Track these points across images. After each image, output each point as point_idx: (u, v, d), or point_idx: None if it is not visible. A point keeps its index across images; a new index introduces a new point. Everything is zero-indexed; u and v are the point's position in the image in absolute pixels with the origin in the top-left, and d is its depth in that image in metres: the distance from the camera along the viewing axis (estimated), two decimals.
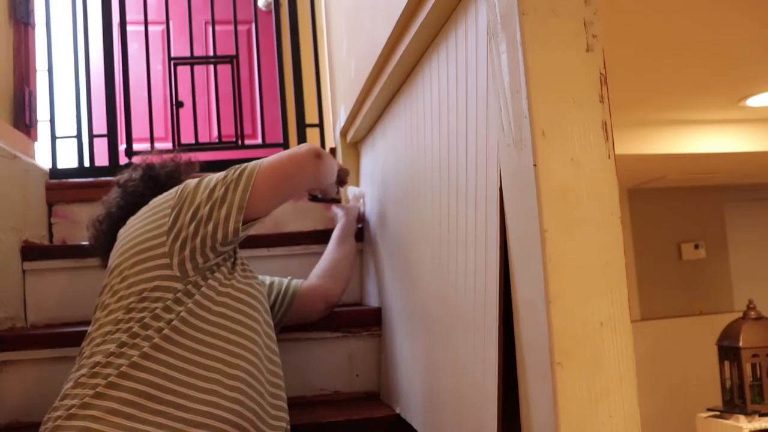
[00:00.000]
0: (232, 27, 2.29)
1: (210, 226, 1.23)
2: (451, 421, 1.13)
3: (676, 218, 4.59)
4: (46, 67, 2.16)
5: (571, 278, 0.79)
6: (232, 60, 2.29)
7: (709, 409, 3.31)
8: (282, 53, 2.29)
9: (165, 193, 1.31)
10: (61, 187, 2.02)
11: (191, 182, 1.29)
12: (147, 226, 1.26)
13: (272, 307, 1.51)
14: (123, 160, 2.13)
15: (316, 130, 2.30)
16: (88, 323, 1.27)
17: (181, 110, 2.23)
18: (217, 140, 2.29)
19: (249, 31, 3.36)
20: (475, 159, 1.01)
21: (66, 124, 2.28)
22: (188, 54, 2.29)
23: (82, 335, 1.24)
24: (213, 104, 2.61)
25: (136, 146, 2.16)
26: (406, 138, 1.42)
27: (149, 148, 2.08)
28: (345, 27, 1.95)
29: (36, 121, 2.12)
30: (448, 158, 1.14)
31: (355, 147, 2.09)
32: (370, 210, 1.80)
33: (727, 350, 3.24)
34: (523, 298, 0.85)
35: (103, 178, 2.02)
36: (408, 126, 1.40)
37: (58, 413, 1.10)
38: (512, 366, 0.89)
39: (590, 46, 0.83)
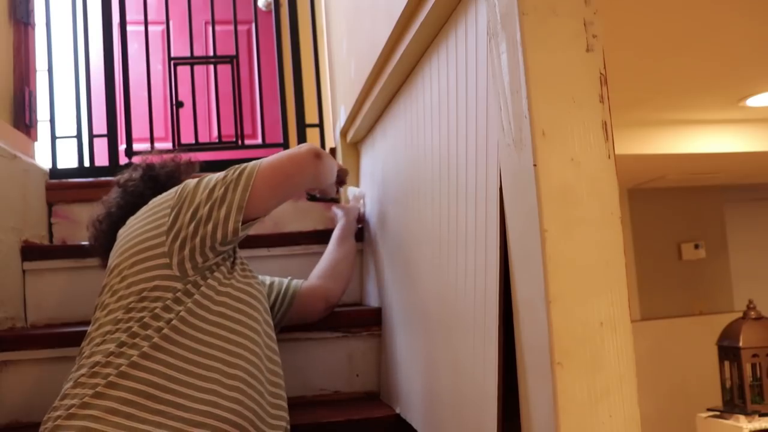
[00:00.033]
0: (232, 27, 2.29)
1: (209, 226, 1.23)
2: (451, 421, 1.13)
3: (676, 218, 4.59)
4: (46, 67, 2.16)
5: (571, 278, 0.79)
6: (232, 60, 2.29)
7: (709, 409, 3.32)
8: (282, 53, 2.29)
9: (165, 193, 1.31)
10: (61, 187, 2.02)
11: (191, 182, 1.29)
12: (146, 225, 1.26)
13: (272, 308, 1.51)
14: (123, 160, 2.13)
15: (316, 130, 2.30)
16: (88, 323, 1.27)
17: (181, 110, 2.23)
18: (217, 140, 2.29)
19: (249, 31, 3.36)
20: (475, 159, 1.01)
21: (66, 124, 2.28)
22: (188, 54, 2.29)
23: (82, 335, 1.24)
24: (213, 104, 2.61)
25: (136, 146, 2.16)
26: (406, 138, 1.42)
27: (149, 148, 2.08)
28: (345, 27, 1.95)
29: (36, 121, 2.12)
30: (448, 158, 1.14)
31: (355, 147, 2.09)
32: (370, 210, 1.80)
33: (727, 350, 3.24)
34: (523, 298, 0.85)
35: (103, 178, 2.02)
36: (408, 126, 1.40)
37: (58, 413, 1.10)
38: (512, 366, 0.89)
39: (590, 46, 0.83)
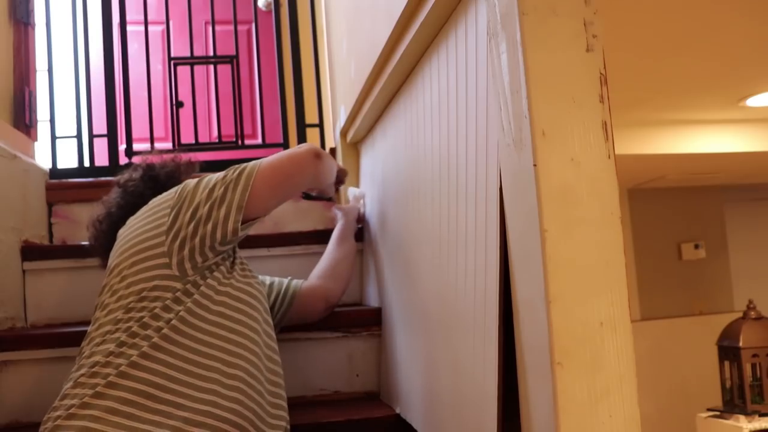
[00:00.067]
0: (232, 27, 2.29)
1: (209, 226, 1.23)
2: (451, 421, 1.13)
3: (676, 218, 4.59)
4: (46, 67, 2.16)
5: (571, 278, 0.79)
6: (232, 60, 2.29)
7: (709, 409, 3.32)
8: (282, 53, 2.29)
9: (164, 193, 1.31)
10: (61, 187, 2.02)
11: (191, 182, 1.29)
12: (146, 225, 1.26)
13: (272, 308, 1.51)
14: (123, 160, 2.13)
15: (316, 130, 2.30)
16: (88, 323, 1.27)
17: (181, 110, 2.23)
18: (217, 140, 2.29)
19: (249, 31, 3.36)
20: (475, 159, 1.01)
21: (66, 124, 2.28)
22: (188, 54, 2.29)
23: (82, 335, 1.24)
24: (213, 104, 2.61)
25: (136, 146, 2.16)
26: (406, 138, 1.42)
27: (149, 148, 2.08)
28: (345, 27, 1.95)
29: (36, 121, 2.12)
30: (448, 158, 1.14)
31: (355, 147, 2.09)
32: (370, 210, 1.80)
33: (727, 350, 3.25)
34: (523, 298, 0.85)
35: (103, 178, 2.02)
36: (408, 126, 1.40)
37: (58, 413, 1.10)
38: (512, 366, 0.89)
39: (590, 46, 0.83)
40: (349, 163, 2.07)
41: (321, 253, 1.70)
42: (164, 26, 2.39)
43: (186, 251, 1.21)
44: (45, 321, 1.78)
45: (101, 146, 2.16)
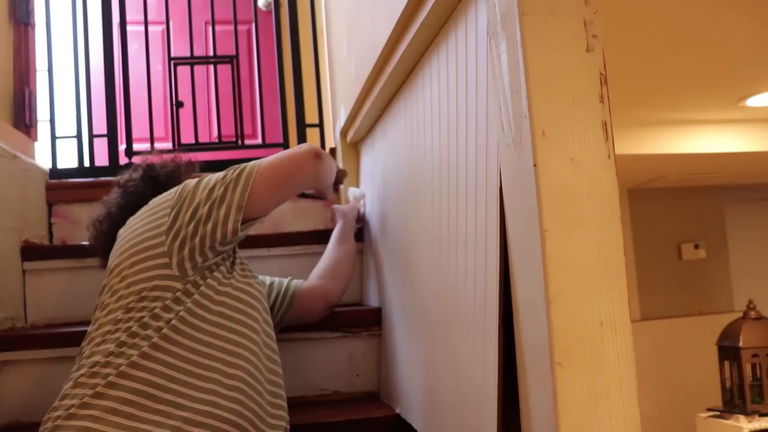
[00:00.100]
0: (232, 27, 2.29)
1: (209, 226, 1.23)
2: (451, 421, 1.13)
3: (676, 218, 4.59)
4: (46, 67, 2.16)
5: (571, 278, 0.79)
6: (232, 60, 2.29)
7: (709, 409, 3.32)
8: (282, 53, 2.29)
9: (165, 193, 1.31)
10: (61, 187, 2.02)
11: (191, 182, 1.29)
12: (146, 225, 1.26)
13: (272, 308, 1.51)
14: (123, 160, 2.13)
15: (316, 130, 2.30)
16: (88, 323, 1.27)
17: (181, 110, 2.23)
18: (217, 140, 2.29)
19: (249, 31, 3.36)
20: (475, 159, 1.01)
21: (66, 124, 2.28)
22: (188, 54, 2.29)
23: (82, 335, 1.24)
24: (213, 104, 2.61)
25: (136, 146, 2.16)
26: (406, 138, 1.42)
27: (149, 148, 2.08)
28: (345, 27, 1.95)
29: (36, 121, 2.12)
30: (448, 158, 1.14)
31: (355, 147, 2.09)
32: (370, 210, 1.80)
33: (727, 350, 3.25)
34: (523, 298, 0.85)
35: (103, 178, 2.02)
36: (408, 126, 1.40)
37: (58, 413, 1.10)
38: (512, 366, 0.89)
39: (590, 46, 0.83)
40: (349, 163, 2.07)
41: (321, 253, 1.70)
42: (164, 26, 2.39)
43: (186, 251, 1.21)
44: (45, 321, 1.78)
45: (101, 146, 2.16)
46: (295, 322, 1.58)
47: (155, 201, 1.31)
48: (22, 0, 2.09)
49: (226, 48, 2.41)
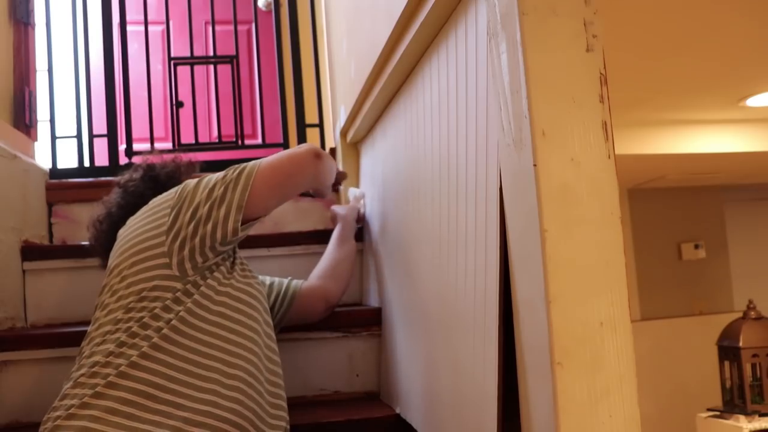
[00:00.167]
0: (232, 27, 2.29)
1: (209, 226, 1.23)
2: (451, 421, 1.13)
3: (676, 218, 4.59)
4: (46, 67, 2.16)
5: (571, 278, 0.79)
6: (232, 60, 2.29)
7: (709, 409, 3.32)
8: (282, 53, 2.29)
9: (165, 193, 1.31)
10: (61, 187, 2.02)
11: (191, 182, 1.29)
12: (146, 225, 1.26)
13: (272, 308, 1.51)
14: (123, 160, 2.13)
15: (316, 130, 2.29)
16: (88, 323, 1.27)
17: (181, 110, 2.23)
18: (217, 140, 2.29)
19: (249, 31, 3.36)
20: (475, 159, 1.01)
21: (66, 124, 2.28)
22: (188, 54, 2.29)
23: (82, 335, 1.24)
24: (213, 104, 2.61)
25: (136, 146, 2.16)
26: (406, 138, 1.42)
27: (149, 148, 2.08)
28: (345, 27, 1.95)
29: (36, 121, 2.12)
30: (448, 158, 1.14)
31: (355, 147, 2.09)
32: (370, 210, 1.80)
33: (727, 350, 3.25)
34: (523, 298, 0.85)
35: (103, 178, 2.02)
36: (408, 126, 1.40)
37: (58, 413, 1.10)
38: (512, 366, 0.89)
39: (590, 46, 0.83)
40: (349, 163, 2.06)
41: (321, 253, 1.70)
42: (164, 26, 2.39)
43: (186, 251, 1.21)
44: (45, 321, 1.78)
45: (101, 146, 2.16)
46: (295, 322, 1.58)
47: (155, 201, 1.31)
48: (22, 0, 2.09)
49: (226, 48, 2.41)
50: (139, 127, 2.23)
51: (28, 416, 1.53)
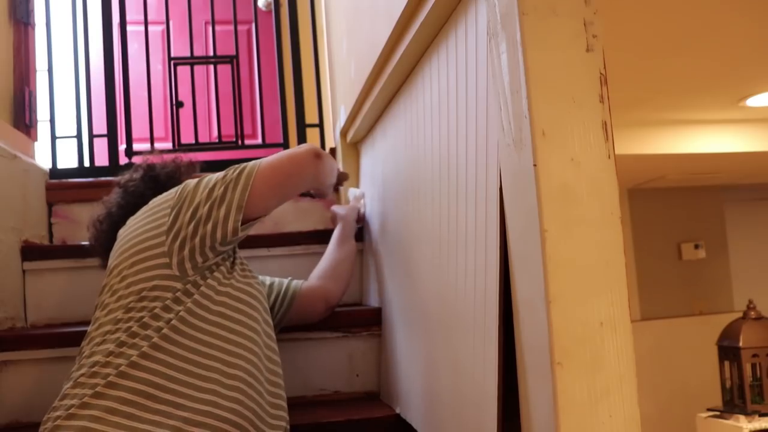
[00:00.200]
0: (232, 27, 2.29)
1: (209, 226, 1.23)
2: (451, 421, 1.13)
3: (676, 218, 4.59)
4: (46, 67, 2.16)
5: (571, 278, 0.79)
6: (232, 60, 2.29)
7: (709, 409, 3.32)
8: (282, 53, 2.29)
9: (165, 193, 1.31)
10: (61, 187, 2.02)
11: (191, 182, 1.29)
12: (146, 225, 1.26)
13: (272, 308, 1.51)
14: (123, 160, 2.13)
15: (316, 130, 2.29)
16: (88, 323, 1.27)
17: (181, 110, 2.23)
18: (217, 140, 2.29)
19: (249, 31, 3.36)
20: (475, 159, 1.01)
21: (66, 124, 2.28)
22: (188, 54, 2.29)
23: (82, 335, 1.24)
24: (213, 104, 2.61)
25: (136, 146, 2.16)
26: (406, 138, 1.42)
27: (149, 148, 2.08)
28: (345, 27, 1.95)
29: (36, 121, 2.12)
30: (448, 158, 1.14)
31: (355, 147, 2.09)
32: (370, 210, 1.80)
33: (727, 350, 3.25)
34: (523, 298, 0.85)
35: (103, 178, 2.02)
36: (408, 126, 1.40)
37: (58, 413, 1.10)
38: (512, 366, 0.89)
39: (590, 46, 0.83)
40: (349, 163, 2.06)
41: (321, 253, 1.70)
42: (164, 26, 2.39)
43: (186, 251, 1.21)
44: (45, 321, 1.78)
45: (101, 146, 2.16)
46: (295, 322, 1.58)
47: (155, 201, 1.31)
48: (22, 0, 2.09)
49: (226, 48, 2.41)
50: (139, 127, 2.23)
51: (28, 416, 1.53)
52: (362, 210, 1.84)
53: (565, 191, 0.80)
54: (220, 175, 1.29)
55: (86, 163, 2.17)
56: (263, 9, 3.35)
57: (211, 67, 2.73)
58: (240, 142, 2.27)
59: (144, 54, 2.24)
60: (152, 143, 2.19)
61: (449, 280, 1.12)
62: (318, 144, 2.23)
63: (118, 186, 1.51)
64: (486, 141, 0.96)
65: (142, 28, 2.26)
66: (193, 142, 2.29)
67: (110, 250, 1.33)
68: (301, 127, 2.25)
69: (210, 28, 2.33)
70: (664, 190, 4.52)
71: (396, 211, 1.51)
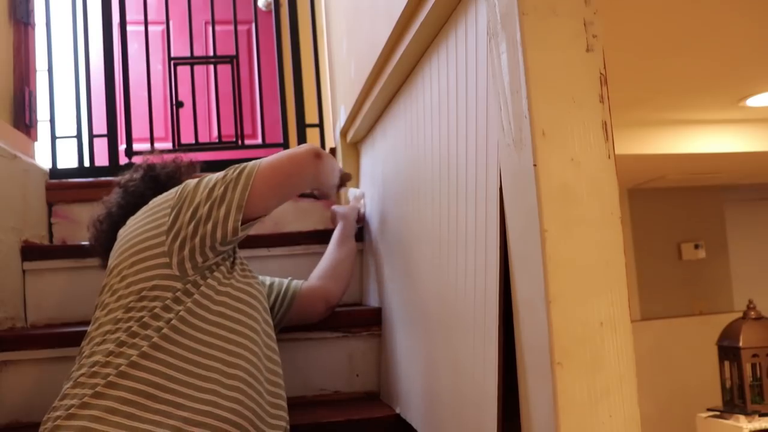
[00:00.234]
0: (232, 27, 2.29)
1: (209, 225, 1.23)
2: (451, 421, 1.13)
3: (676, 218, 4.59)
4: (46, 67, 2.16)
5: (571, 278, 0.79)
6: (232, 60, 2.29)
7: (709, 409, 3.32)
8: (282, 53, 2.29)
9: (165, 193, 1.31)
10: (61, 187, 2.02)
11: (191, 182, 1.30)
12: (146, 225, 1.26)
13: (272, 308, 1.51)
14: (123, 160, 2.13)
15: (316, 130, 2.30)
16: (88, 323, 1.27)
17: (181, 110, 2.23)
18: (217, 140, 2.29)
19: (249, 31, 3.36)
20: (475, 159, 1.01)
21: (66, 124, 2.28)
22: (188, 54, 2.29)
23: (82, 335, 1.24)
24: (213, 104, 2.61)
25: (136, 146, 2.16)
26: (406, 138, 1.42)
27: (149, 148, 2.08)
28: (345, 27, 1.95)
29: (36, 121, 2.12)
30: (448, 158, 1.14)
31: (355, 147, 2.09)
32: (370, 210, 1.80)
33: (727, 350, 3.25)
34: (523, 298, 0.85)
35: (103, 178, 2.01)
36: (408, 126, 1.40)
37: (58, 413, 1.10)
38: (512, 366, 0.89)
39: (590, 46, 0.83)
40: (349, 163, 2.06)
41: (321, 253, 1.70)
42: (164, 26, 2.39)
43: (186, 251, 1.21)
44: (45, 321, 1.78)
45: (101, 146, 2.16)
46: (295, 322, 1.58)
47: (156, 201, 1.31)
48: (22, 0, 2.09)
49: (226, 48, 2.41)
50: (139, 127, 2.23)
51: (28, 416, 1.53)
52: (362, 210, 1.84)
53: (565, 191, 0.80)
54: (220, 174, 1.29)
55: (86, 163, 2.17)
56: (263, 9, 3.35)
57: (211, 67, 2.73)
58: (240, 142, 2.27)
59: (144, 54, 2.24)
60: (152, 143, 2.19)
61: (449, 280, 1.12)
62: (318, 144, 2.23)
63: (118, 186, 1.51)
64: (486, 141, 0.96)
65: (142, 28, 2.26)
66: (193, 142, 2.29)
67: (110, 250, 1.33)
68: (301, 127, 2.25)
69: (210, 28, 2.33)
70: (664, 190, 4.52)
71: (396, 211, 1.51)
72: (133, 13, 2.33)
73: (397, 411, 1.46)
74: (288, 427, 1.27)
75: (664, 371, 4.19)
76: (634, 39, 2.06)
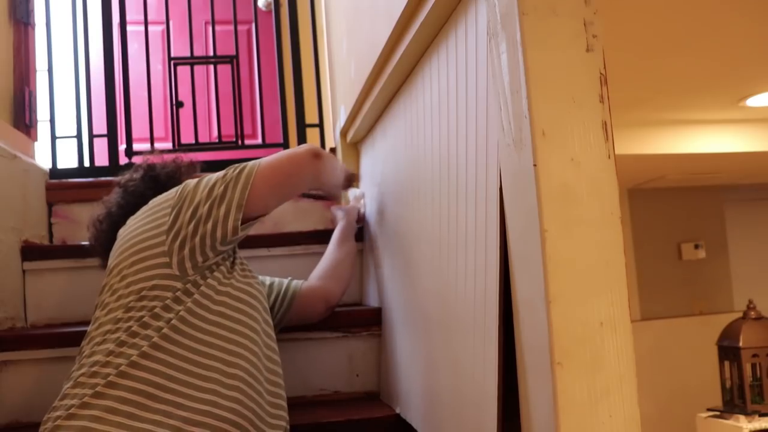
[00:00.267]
0: (232, 27, 2.29)
1: (209, 225, 1.23)
2: (451, 421, 1.13)
3: (676, 218, 4.59)
4: (46, 67, 2.16)
5: (571, 278, 0.78)
6: (232, 60, 2.29)
7: (709, 409, 3.32)
8: (282, 53, 2.29)
9: (165, 193, 1.31)
10: (61, 187, 2.02)
11: (191, 182, 1.30)
12: (146, 225, 1.26)
13: (272, 308, 1.51)
14: (123, 160, 2.13)
15: (316, 130, 2.30)
16: (88, 323, 1.27)
17: (181, 110, 2.23)
18: (217, 140, 2.29)
19: (249, 31, 3.36)
20: (475, 159, 1.01)
21: (66, 124, 2.28)
22: (188, 54, 2.29)
23: (82, 335, 1.24)
24: (213, 104, 2.61)
25: (136, 146, 2.16)
26: (406, 138, 1.42)
27: (149, 148, 2.08)
28: (345, 27, 1.95)
29: (36, 121, 2.12)
30: (448, 158, 1.14)
31: (355, 147, 2.09)
32: (370, 210, 1.80)
33: (727, 350, 3.25)
34: (523, 298, 0.85)
35: (103, 178, 2.02)
36: (408, 126, 1.40)
37: (58, 413, 1.10)
38: (512, 366, 0.89)
39: (590, 46, 0.83)
40: (349, 163, 2.06)
41: (321, 253, 1.70)
42: (164, 26, 2.39)
43: (186, 251, 1.21)
44: (45, 321, 1.78)
45: (101, 146, 2.16)
46: (295, 322, 1.58)
47: (156, 201, 1.31)
48: (22, 0, 2.09)
49: (226, 48, 2.41)
50: (139, 127, 2.23)
51: (28, 416, 1.53)
52: (362, 210, 1.84)
53: (565, 191, 0.80)
54: (220, 174, 1.29)
55: (86, 163, 2.17)
56: (263, 9, 3.35)
57: (211, 67, 2.73)
58: (240, 142, 2.27)
59: (144, 54, 2.24)
60: (152, 143, 2.19)
61: (449, 280, 1.12)
62: (318, 144, 2.23)
63: (118, 186, 1.51)
64: (486, 141, 0.96)
65: (142, 28, 2.26)
66: (193, 142, 2.29)
67: (110, 250, 1.33)
68: (301, 127, 2.25)
69: (210, 28, 2.33)
70: (664, 190, 4.52)
71: (396, 211, 1.51)
72: (133, 13, 2.33)
73: (397, 411, 1.46)
74: (288, 427, 1.27)
75: (664, 371, 4.19)
76: (634, 39, 2.06)
